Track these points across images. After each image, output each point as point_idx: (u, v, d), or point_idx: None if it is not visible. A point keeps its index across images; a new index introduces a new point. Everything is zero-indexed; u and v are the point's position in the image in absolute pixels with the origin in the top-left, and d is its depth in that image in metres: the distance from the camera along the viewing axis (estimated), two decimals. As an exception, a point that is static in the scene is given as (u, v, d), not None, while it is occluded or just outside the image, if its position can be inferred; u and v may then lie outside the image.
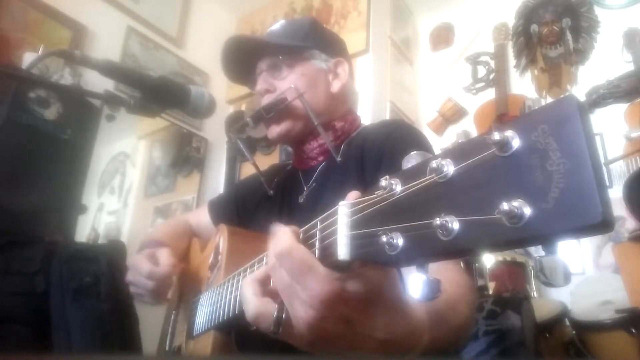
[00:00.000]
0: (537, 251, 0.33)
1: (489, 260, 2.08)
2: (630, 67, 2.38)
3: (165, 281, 0.97)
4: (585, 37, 2.62)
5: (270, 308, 0.50)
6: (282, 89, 1.02)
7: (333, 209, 0.46)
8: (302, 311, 0.46)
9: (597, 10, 2.64)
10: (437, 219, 0.33)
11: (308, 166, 1.08)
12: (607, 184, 0.28)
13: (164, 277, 0.96)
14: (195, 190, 2.81)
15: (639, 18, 2.49)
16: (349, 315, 0.46)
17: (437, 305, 0.61)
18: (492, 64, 2.86)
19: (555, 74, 2.68)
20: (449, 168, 0.34)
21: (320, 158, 1.06)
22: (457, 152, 0.35)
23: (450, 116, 2.91)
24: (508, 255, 2.15)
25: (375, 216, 0.40)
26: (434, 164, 0.35)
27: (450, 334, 0.62)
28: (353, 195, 0.46)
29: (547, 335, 1.75)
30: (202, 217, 1.26)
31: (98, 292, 1.42)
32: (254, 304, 0.52)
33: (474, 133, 2.73)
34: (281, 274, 0.48)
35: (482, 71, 2.93)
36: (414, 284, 0.38)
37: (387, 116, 2.63)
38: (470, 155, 0.33)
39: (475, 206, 0.32)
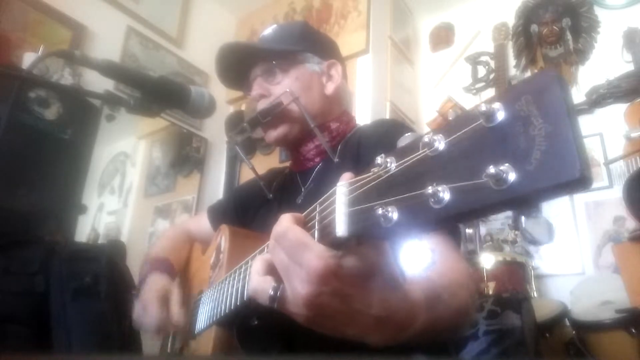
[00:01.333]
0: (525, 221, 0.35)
1: (488, 260, 2.08)
2: (630, 67, 2.39)
3: (172, 329, 0.97)
4: (585, 37, 2.62)
5: (267, 285, 0.53)
6: (277, 93, 1.03)
7: (332, 190, 0.48)
8: (299, 287, 0.49)
9: (597, 10, 2.64)
10: (429, 188, 0.35)
11: (305, 168, 1.09)
12: (583, 144, 0.30)
13: (172, 326, 0.96)
14: (195, 190, 2.81)
15: (639, 18, 2.49)
16: (344, 291, 0.48)
17: (435, 287, 0.63)
18: (492, 64, 2.86)
19: (555, 74, 2.68)
20: (440, 142, 0.36)
21: (317, 159, 1.07)
22: (447, 127, 0.36)
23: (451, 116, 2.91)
24: (508, 255, 2.15)
25: (371, 192, 0.42)
26: (426, 138, 0.37)
27: (448, 317, 0.62)
28: (347, 176, 0.48)
29: (547, 335, 1.75)
30: (202, 223, 1.26)
31: (98, 292, 1.42)
32: (254, 280, 0.55)
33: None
34: (279, 254, 0.51)
35: (482, 71, 2.93)
36: (408, 253, 0.39)
37: (387, 116, 2.62)
38: (459, 128, 0.35)
39: (465, 174, 0.34)
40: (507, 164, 0.31)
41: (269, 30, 1.12)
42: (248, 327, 0.71)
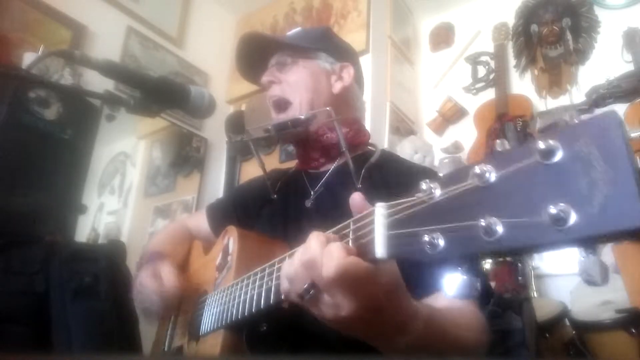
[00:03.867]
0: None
1: (488, 260, 2.08)
2: (630, 67, 2.39)
3: (171, 299, 0.98)
4: (585, 37, 2.62)
5: (305, 278, 0.51)
6: (288, 79, 1.06)
7: (369, 210, 0.49)
8: (345, 303, 0.49)
9: (597, 10, 2.64)
10: (482, 220, 0.35)
11: (312, 168, 1.09)
12: None
13: (170, 295, 0.97)
14: (195, 190, 2.81)
15: (639, 18, 2.49)
16: (382, 305, 0.50)
17: (444, 312, 0.65)
18: (492, 64, 2.86)
19: (555, 74, 2.68)
20: (491, 174, 0.36)
21: (322, 160, 1.07)
22: (498, 159, 0.36)
23: (450, 116, 2.91)
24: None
25: (414, 217, 0.42)
26: (476, 169, 0.37)
27: (444, 345, 0.63)
28: (355, 197, 0.50)
29: (547, 335, 1.75)
30: (200, 222, 1.26)
31: (98, 292, 1.42)
32: (295, 268, 0.53)
33: (474, 133, 2.73)
34: (336, 290, 0.49)
35: (482, 71, 2.93)
36: (452, 282, 0.39)
37: (387, 116, 2.63)
38: (512, 163, 0.35)
39: (520, 209, 0.33)
40: (566, 204, 0.31)
41: (292, 31, 1.17)
42: (257, 332, 0.71)
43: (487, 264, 2.06)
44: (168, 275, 0.99)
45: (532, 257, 2.32)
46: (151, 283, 0.98)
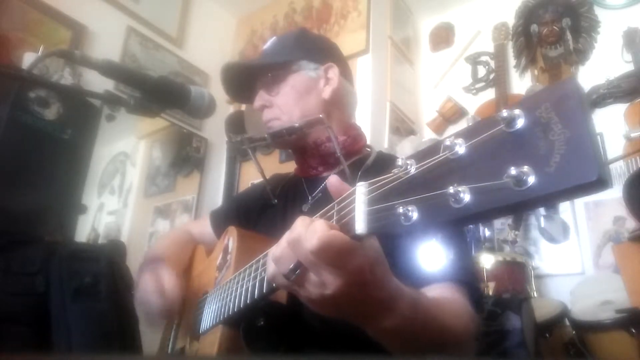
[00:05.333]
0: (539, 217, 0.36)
1: (488, 260, 2.08)
2: (630, 67, 2.38)
3: (172, 302, 0.98)
4: (585, 37, 2.62)
5: (291, 258, 0.53)
6: (277, 103, 1.07)
7: (351, 190, 0.50)
8: (330, 280, 0.50)
9: (597, 10, 2.64)
10: (450, 188, 0.37)
11: (311, 175, 1.09)
12: (600, 149, 0.35)
13: (171, 299, 0.97)
14: (195, 190, 2.81)
15: (639, 18, 2.49)
16: (370, 286, 0.52)
17: (431, 299, 0.66)
18: (492, 64, 2.86)
19: (555, 74, 2.68)
20: (461, 146, 0.38)
21: (320, 168, 1.08)
22: (467, 131, 0.39)
23: (450, 116, 2.91)
24: (508, 255, 2.15)
25: (391, 192, 0.44)
26: (447, 142, 0.39)
27: (431, 331, 0.64)
28: (332, 180, 0.52)
29: (547, 335, 1.75)
30: (204, 228, 1.27)
31: (98, 292, 1.42)
32: (281, 248, 0.55)
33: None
34: (320, 265, 0.50)
35: (482, 71, 2.93)
36: (426, 251, 0.41)
37: (387, 116, 2.63)
38: (480, 133, 0.37)
39: (485, 175, 0.35)
40: (527, 167, 0.32)
41: (268, 44, 1.16)
42: (254, 327, 0.72)
43: (487, 265, 2.06)
44: (169, 279, 0.99)
45: (532, 258, 2.32)
46: (152, 287, 0.98)
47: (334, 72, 1.09)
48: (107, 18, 2.49)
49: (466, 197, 0.36)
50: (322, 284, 0.51)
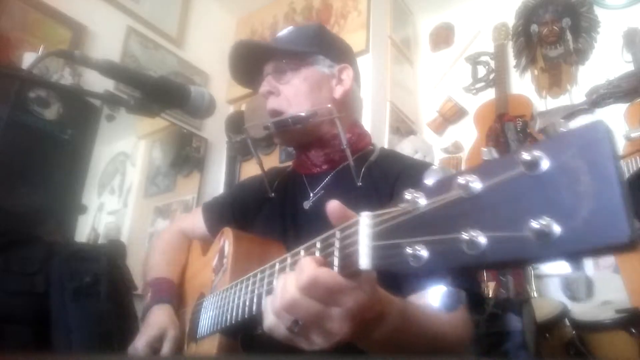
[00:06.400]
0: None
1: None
2: (630, 67, 2.38)
3: None
4: (585, 37, 2.62)
5: (283, 324, 0.52)
6: (286, 92, 1.03)
7: (354, 220, 0.48)
8: (336, 328, 0.49)
9: (597, 10, 2.64)
10: (464, 233, 0.34)
11: (312, 172, 1.08)
12: (631, 207, 0.29)
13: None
14: (195, 190, 2.81)
15: (639, 18, 2.49)
16: (366, 313, 0.51)
17: (421, 307, 0.66)
18: (492, 64, 2.86)
19: (555, 74, 2.68)
20: (476, 184, 0.35)
21: (325, 166, 1.06)
22: (483, 169, 0.35)
23: (450, 116, 2.91)
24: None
25: (398, 228, 0.41)
26: (460, 180, 0.36)
27: (423, 340, 0.64)
28: (333, 205, 0.51)
29: (547, 335, 1.75)
30: (196, 221, 1.25)
31: (98, 292, 1.42)
32: (270, 319, 0.54)
33: (473, 133, 2.73)
34: (308, 304, 0.49)
35: (482, 71, 2.93)
36: (436, 294, 0.39)
37: (387, 116, 2.63)
38: (497, 173, 0.34)
39: (503, 223, 0.33)
40: (550, 218, 0.30)
41: (284, 31, 1.12)
42: (253, 335, 0.71)
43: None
44: (166, 349, 0.98)
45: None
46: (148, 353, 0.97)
47: (347, 74, 1.08)
48: (107, 18, 2.48)
49: (482, 244, 0.33)
50: (329, 333, 0.50)
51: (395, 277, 0.63)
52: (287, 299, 0.50)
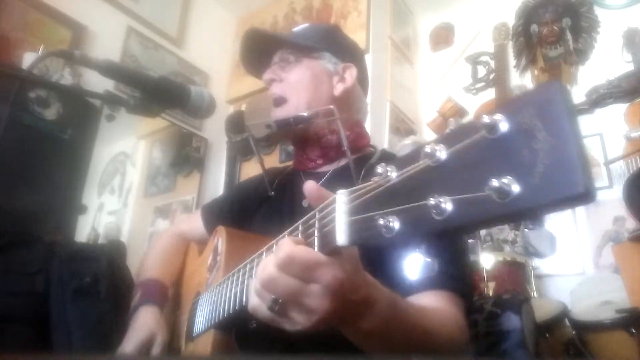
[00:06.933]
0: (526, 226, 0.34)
1: (488, 260, 2.08)
2: (630, 67, 2.38)
3: None
4: (585, 37, 2.62)
5: (264, 303, 0.52)
6: (288, 79, 1.06)
7: (331, 198, 0.49)
8: (315, 304, 0.49)
9: (597, 10, 2.64)
10: (431, 199, 0.35)
11: (310, 168, 1.08)
12: (587, 158, 0.30)
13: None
14: (195, 190, 2.81)
15: (639, 18, 2.49)
16: (348, 293, 0.50)
17: (414, 303, 0.66)
18: (492, 64, 2.86)
19: (555, 74, 2.68)
20: (442, 152, 0.36)
21: (320, 161, 1.07)
22: (449, 137, 0.36)
23: (450, 116, 2.90)
24: (508, 255, 2.15)
25: (372, 202, 0.42)
26: (427, 149, 0.37)
27: (413, 336, 0.63)
28: (310, 186, 0.51)
29: (547, 335, 1.75)
30: (195, 223, 1.25)
31: (98, 292, 1.42)
32: (253, 299, 0.54)
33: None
34: (286, 281, 0.49)
35: (482, 71, 2.93)
36: (411, 265, 0.39)
37: (387, 116, 2.63)
38: (461, 139, 0.35)
39: (467, 186, 0.34)
40: (509, 177, 0.31)
41: (299, 27, 1.16)
42: (247, 329, 0.71)
43: (487, 265, 2.06)
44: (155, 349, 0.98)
45: (532, 258, 2.32)
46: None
47: (350, 73, 1.09)
48: (107, 18, 2.49)
49: (448, 208, 0.34)
50: (309, 310, 0.50)
51: (391, 278, 0.63)
52: (265, 276, 0.51)
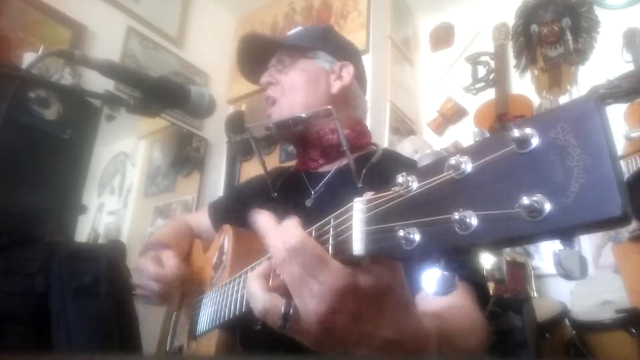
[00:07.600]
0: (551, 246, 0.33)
1: (488, 260, 2.08)
2: (630, 67, 2.38)
3: (171, 283, 0.98)
4: (585, 37, 2.62)
5: (278, 303, 0.49)
6: (283, 82, 1.06)
7: (348, 205, 0.47)
8: (313, 304, 0.46)
9: (597, 10, 2.64)
10: (456, 213, 0.34)
11: (311, 168, 1.08)
12: (624, 180, 0.28)
13: (170, 279, 0.97)
14: (195, 190, 2.81)
15: (639, 18, 2.49)
16: (358, 311, 0.46)
17: (446, 325, 0.62)
18: (492, 64, 2.86)
19: (555, 74, 2.68)
20: (467, 165, 0.35)
21: (321, 161, 1.07)
22: (474, 150, 0.35)
23: (450, 116, 2.91)
24: (508, 255, 2.15)
25: (391, 212, 0.41)
26: (452, 160, 0.36)
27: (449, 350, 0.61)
28: (369, 195, 0.46)
29: (547, 335, 1.75)
30: (202, 220, 1.26)
31: (98, 292, 1.42)
32: (262, 299, 0.51)
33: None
34: (292, 268, 0.47)
35: (482, 71, 2.93)
36: (429, 279, 0.38)
37: (387, 116, 2.63)
38: (488, 152, 0.33)
39: (494, 201, 0.32)
40: (541, 195, 0.30)
41: (294, 30, 1.17)
42: (251, 331, 0.71)
43: (487, 265, 2.06)
44: (169, 260, 0.99)
45: (532, 258, 2.32)
46: (151, 267, 0.98)
47: (347, 71, 1.09)
48: (107, 18, 2.49)
49: (473, 223, 0.33)
50: (307, 309, 0.46)
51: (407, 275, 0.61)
52: (277, 258, 0.49)
